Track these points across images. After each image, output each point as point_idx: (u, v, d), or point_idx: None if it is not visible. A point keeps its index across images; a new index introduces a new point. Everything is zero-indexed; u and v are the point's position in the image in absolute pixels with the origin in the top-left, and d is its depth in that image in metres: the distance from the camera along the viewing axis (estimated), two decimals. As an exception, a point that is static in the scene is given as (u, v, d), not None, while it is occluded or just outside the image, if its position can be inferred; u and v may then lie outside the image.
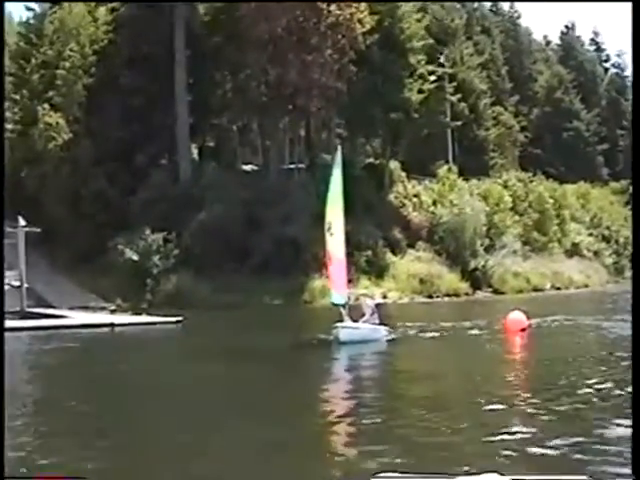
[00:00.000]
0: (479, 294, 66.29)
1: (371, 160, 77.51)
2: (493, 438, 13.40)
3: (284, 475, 12.18)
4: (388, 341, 29.70)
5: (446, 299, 62.07)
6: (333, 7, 62.49)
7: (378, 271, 62.52)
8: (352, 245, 60.82)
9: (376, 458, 12.25)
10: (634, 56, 27.76)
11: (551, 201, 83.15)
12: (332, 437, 14.69)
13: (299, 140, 73.53)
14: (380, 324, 30.46)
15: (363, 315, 30.39)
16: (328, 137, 73.15)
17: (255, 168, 72.98)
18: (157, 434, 15.42)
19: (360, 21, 63.57)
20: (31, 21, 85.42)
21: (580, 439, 13.07)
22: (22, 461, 12.64)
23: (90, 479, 10.68)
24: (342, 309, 29.86)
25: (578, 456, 12.09)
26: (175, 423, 16.36)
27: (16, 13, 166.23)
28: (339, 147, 35.69)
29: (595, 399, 16.88)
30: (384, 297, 60.72)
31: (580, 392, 17.61)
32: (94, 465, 12.46)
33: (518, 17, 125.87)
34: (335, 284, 31.15)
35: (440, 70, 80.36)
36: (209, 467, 12.57)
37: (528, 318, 33.15)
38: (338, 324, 29.34)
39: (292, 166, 70.58)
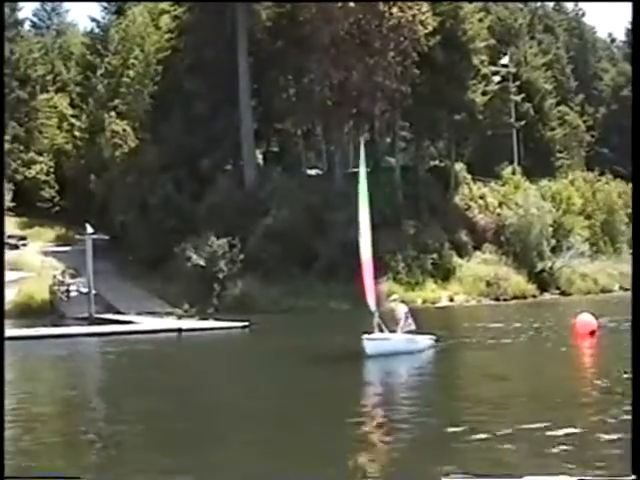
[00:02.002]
0: (546, 296, 65.64)
1: (436, 162, 77.13)
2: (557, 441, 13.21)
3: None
4: (434, 350, 27.75)
5: (513, 301, 61.46)
6: (395, 9, 62.22)
7: (444, 274, 62.17)
8: (418, 248, 61.19)
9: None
10: (634, 56, 27.17)
11: (619, 201, 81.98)
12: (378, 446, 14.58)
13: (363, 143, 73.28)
14: (421, 333, 27.92)
15: (398, 322, 27.49)
16: (392, 140, 72.85)
17: (320, 172, 72.95)
18: (223, 434, 15.45)
19: (422, 23, 63.16)
20: (96, 30, 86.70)
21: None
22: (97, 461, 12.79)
23: (86, 479, 10.65)
24: (375, 317, 26.90)
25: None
26: (237, 425, 16.42)
27: (81, 24, 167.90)
28: (362, 140, 32.81)
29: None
30: (451, 300, 60.49)
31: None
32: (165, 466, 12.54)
33: (582, 15, 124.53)
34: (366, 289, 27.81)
35: (504, 70, 79.80)
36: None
37: (597, 320, 32.56)
38: (365, 335, 26.31)
39: (356, 170, 70.30)
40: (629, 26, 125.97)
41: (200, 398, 20.57)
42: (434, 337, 28.47)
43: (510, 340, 31.67)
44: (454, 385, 22.53)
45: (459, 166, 74.16)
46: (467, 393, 20.42)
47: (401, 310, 27.84)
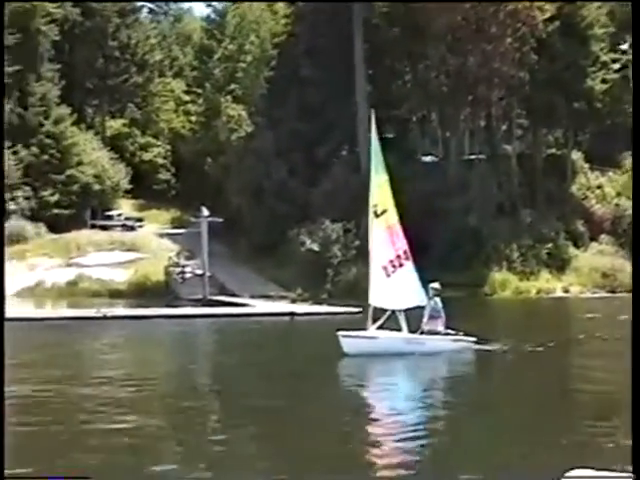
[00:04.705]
0: (664, 289, 63.99)
1: (553, 151, 75.90)
2: None
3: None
4: (460, 354, 24.93)
5: (629, 294, 60.05)
6: (512, -6, 61.42)
7: (560, 264, 61.26)
8: (534, 237, 60.42)
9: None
10: (634, 56, 26.17)
11: None
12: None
13: (479, 131, 72.57)
14: (468, 334, 25.55)
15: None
16: (509, 127, 71.89)
17: (435, 159, 72.37)
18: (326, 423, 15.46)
19: (540, 8, 62.15)
20: (212, 16, 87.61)
21: None
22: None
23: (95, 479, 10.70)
24: (370, 312, 25.27)
25: None
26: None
27: (197, 10, 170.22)
28: (372, 115, 28.77)
29: None
30: (565, 291, 59.56)
31: None
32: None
33: None
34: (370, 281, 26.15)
35: (624, 58, 78.01)
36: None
37: None
38: (340, 332, 24.35)
39: (472, 157, 69.69)
40: None
41: (308, 383, 20.63)
42: (471, 339, 25.57)
43: (601, 339, 30.05)
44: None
45: (576, 155, 72.80)
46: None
47: (428, 307, 25.81)
